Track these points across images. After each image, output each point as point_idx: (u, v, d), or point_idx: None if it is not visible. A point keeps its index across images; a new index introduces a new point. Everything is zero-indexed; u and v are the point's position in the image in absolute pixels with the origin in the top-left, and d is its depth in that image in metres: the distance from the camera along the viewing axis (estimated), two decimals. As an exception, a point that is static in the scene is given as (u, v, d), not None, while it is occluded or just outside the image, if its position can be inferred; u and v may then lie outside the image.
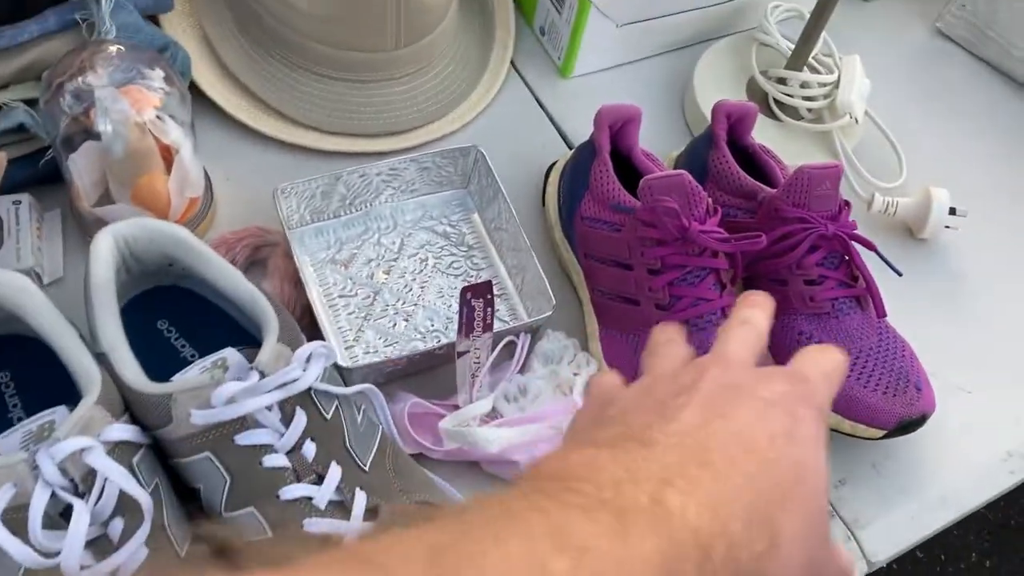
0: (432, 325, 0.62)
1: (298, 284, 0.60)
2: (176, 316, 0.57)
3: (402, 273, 0.64)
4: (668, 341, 0.41)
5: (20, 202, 0.61)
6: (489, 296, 0.53)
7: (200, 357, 0.52)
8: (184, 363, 0.52)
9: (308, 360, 0.49)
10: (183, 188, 0.60)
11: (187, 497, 0.50)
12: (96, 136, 0.57)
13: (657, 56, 0.82)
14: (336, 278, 0.63)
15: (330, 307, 0.62)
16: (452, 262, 0.65)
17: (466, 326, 0.55)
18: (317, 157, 0.69)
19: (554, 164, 0.69)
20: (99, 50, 0.57)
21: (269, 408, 0.47)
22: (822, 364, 0.38)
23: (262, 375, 0.47)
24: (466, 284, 0.52)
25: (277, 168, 0.67)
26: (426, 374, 0.60)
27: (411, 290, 0.63)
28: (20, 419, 0.53)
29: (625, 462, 0.30)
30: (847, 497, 0.61)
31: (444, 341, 0.60)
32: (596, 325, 0.63)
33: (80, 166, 0.59)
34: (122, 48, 0.57)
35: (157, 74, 0.58)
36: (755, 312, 0.40)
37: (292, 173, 0.64)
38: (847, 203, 0.62)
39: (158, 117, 0.57)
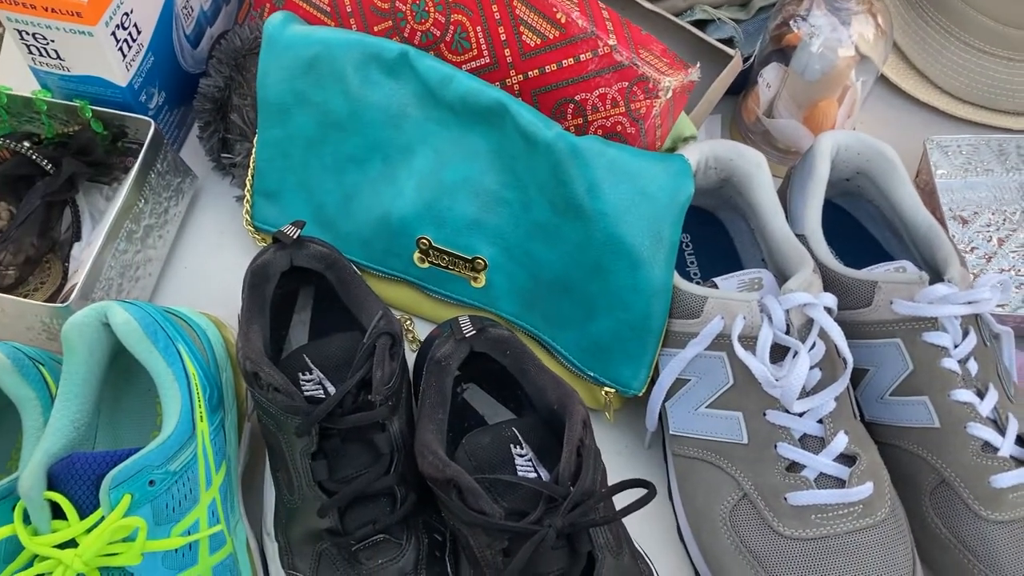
0: (1043, 298, 0.64)
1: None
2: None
3: (1020, 243, 0.67)
4: None
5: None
6: None
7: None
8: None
9: (990, 288, 0.54)
10: (847, 118, 0.67)
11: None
12: (783, 58, 0.66)
13: None
14: (956, 231, 0.67)
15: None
16: (1070, 246, 0.67)
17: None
18: (940, 120, 0.73)
19: None
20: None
21: (956, 318, 0.52)
22: None
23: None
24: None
25: (906, 124, 0.73)
26: (1030, 340, 0.63)
27: (1026, 261, 0.66)
28: (696, 273, 0.63)
29: None
30: None
31: (1054, 316, 0.63)
32: None
33: (767, 79, 0.68)
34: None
35: (862, 17, 0.65)
36: None
37: (920, 131, 0.69)
38: None
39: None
